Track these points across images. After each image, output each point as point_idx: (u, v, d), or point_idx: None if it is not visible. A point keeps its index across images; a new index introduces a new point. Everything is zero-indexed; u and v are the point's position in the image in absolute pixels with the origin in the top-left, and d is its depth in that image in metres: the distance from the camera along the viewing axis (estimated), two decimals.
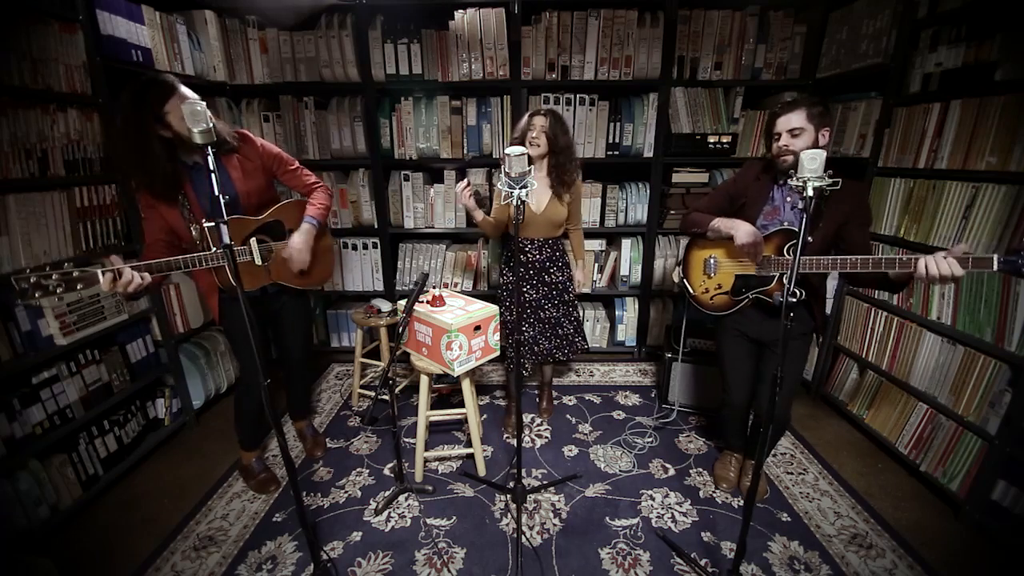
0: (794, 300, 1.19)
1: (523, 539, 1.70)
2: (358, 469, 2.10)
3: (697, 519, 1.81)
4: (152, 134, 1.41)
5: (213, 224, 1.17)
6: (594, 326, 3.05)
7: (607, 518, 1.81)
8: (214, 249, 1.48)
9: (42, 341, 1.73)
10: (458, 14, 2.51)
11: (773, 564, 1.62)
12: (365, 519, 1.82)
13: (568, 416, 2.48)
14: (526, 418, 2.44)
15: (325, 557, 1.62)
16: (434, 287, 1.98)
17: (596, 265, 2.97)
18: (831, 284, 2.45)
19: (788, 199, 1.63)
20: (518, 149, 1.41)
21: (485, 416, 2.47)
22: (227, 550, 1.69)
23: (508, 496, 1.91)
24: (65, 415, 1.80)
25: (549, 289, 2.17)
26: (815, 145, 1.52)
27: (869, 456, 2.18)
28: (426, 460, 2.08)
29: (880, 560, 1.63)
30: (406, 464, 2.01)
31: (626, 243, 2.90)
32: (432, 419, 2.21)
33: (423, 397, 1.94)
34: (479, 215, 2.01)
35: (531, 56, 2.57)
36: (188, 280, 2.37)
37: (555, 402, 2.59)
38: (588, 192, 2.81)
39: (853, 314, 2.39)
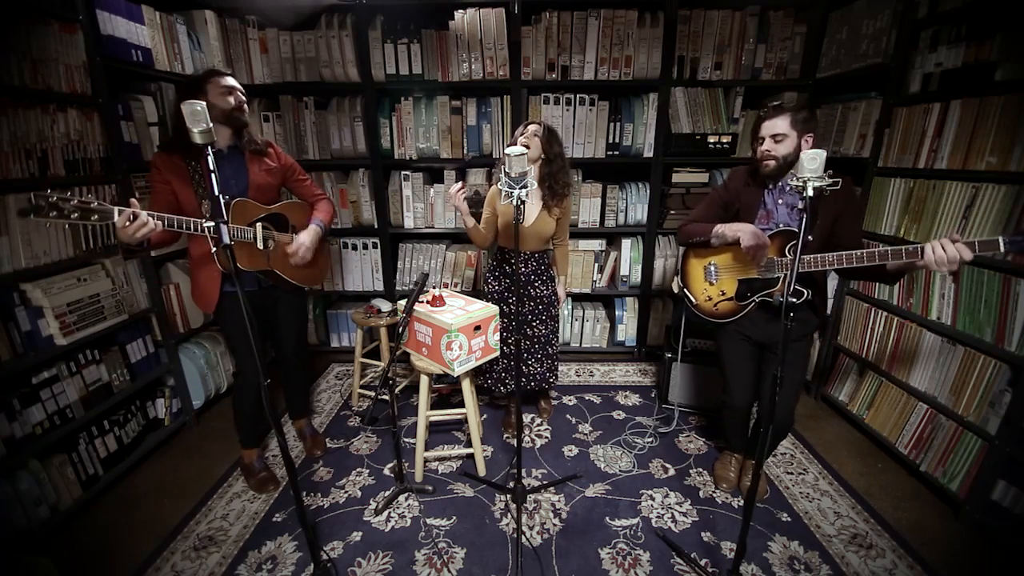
0: (798, 300, 1.19)
1: (523, 539, 1.70)
2: (358, 469, 2.10)
3: (697, 519, 1.81)
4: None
5: (213, 224, 1.18)
6: (594, 326, 3.05)
7: (607, 518, 1.81)
8: (240, 228, 1.62)
9: (42, 341, 1.73)
10: (458, 14, 2.51)
11: (773, 564, 1.62)
12: (365, 519, 1.82)
13: (568, 416, 2.48)
14: (526, 418, 2.44)
15: (325, 557, 1.62)
16: (434, 287, 1.98)
17: (596, 265, 2.97)
18: (831, 284, 2.45)
19: (780, 201, 1.64)
20: (518, 149, 1.42)
21: (485, 416, 2.47)
22: (227, 550, 1.69)
23: (508, 496, 1.91)
24: (65, 415, 1.80)
25: (536, 304, 2.16)
26: (797, 150, 1.53)
27: (869, 456, 2.18)
28: (426, 460, 2.08)
29: (880, 560, 1.63)
30: (406, 464, 2.01)
31: (626, 243, 2.90)
32: (432, 419, 2.21)
33: (423, 397, 1.94)
34: (470, 220, 1.99)
35: (531, 56, 2.57)
36: (188, 280, 2.37)
37: (555, 402, 2.59)
38: (588, 192, 2.81)
39: (853, 314, 2.39)
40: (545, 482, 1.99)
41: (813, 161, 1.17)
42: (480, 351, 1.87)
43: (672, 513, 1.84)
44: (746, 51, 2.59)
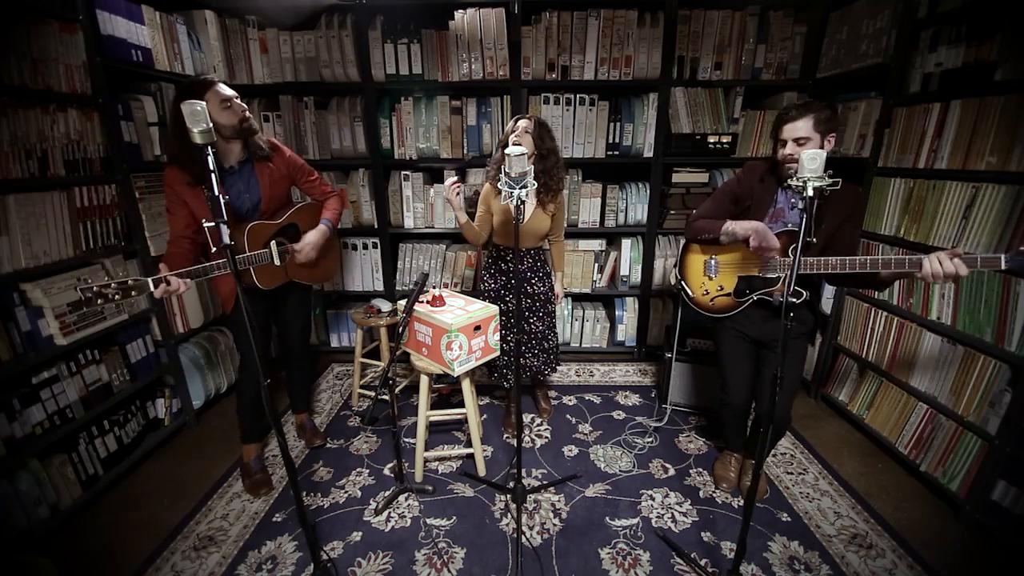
0: (797, 301, 1.20)
1: (523, 539, 1.70)
2: (358, 469, 2.10)
3: (697, 519, 1.81)
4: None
5: (213, 224, 1.18)
6: (594, 326, 3.05)
7: (607, 518, 1.81)
8: (247, 252, 1.66)
9: (42, 341, 1.73)
10: (458, 14, 2.51)
11: (773, 564, 1.62)
12: (365, 519, 1.82)
13: (568, 416, 2.48)
14: (526, 418, 2.44)
15: (325, 557, 1.62)
16: (434, 287, 1.98)
17: (596, 265, 2.97)
18: (828, 286, 2.45)
19: (792, 200, 1.62)
20: (518, 149, 1.42)
21: (485, 416, 2.47)
22: (227, 550, 1.69)
23: (508, 496, 1.91)
24: (65, 415, 1.80)
25: (533, 301, 2.17)
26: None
27: (869, 456, 2.18)
28: (426, 460, 2.08)
29: (880, 560, 1.63)
30: (406, 464, 2.01)
31: (626, 243, 2.90)
32: (432, 419, 2.21)
33: (423, 397, 1.94)
34: (462, 216, 1.99)
35: (531, 56, 2.57)
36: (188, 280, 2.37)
37: (555, 402, 2.59)
38: (588, 192, 2.81)
39: (853, 314, 2.39)
40: (545, 482, 1.99)
41: (813, 161, 1.18)
42: (480, 351, 1.87)
43: (672, 513, 1.84)
44: (746, 51, 2.59)
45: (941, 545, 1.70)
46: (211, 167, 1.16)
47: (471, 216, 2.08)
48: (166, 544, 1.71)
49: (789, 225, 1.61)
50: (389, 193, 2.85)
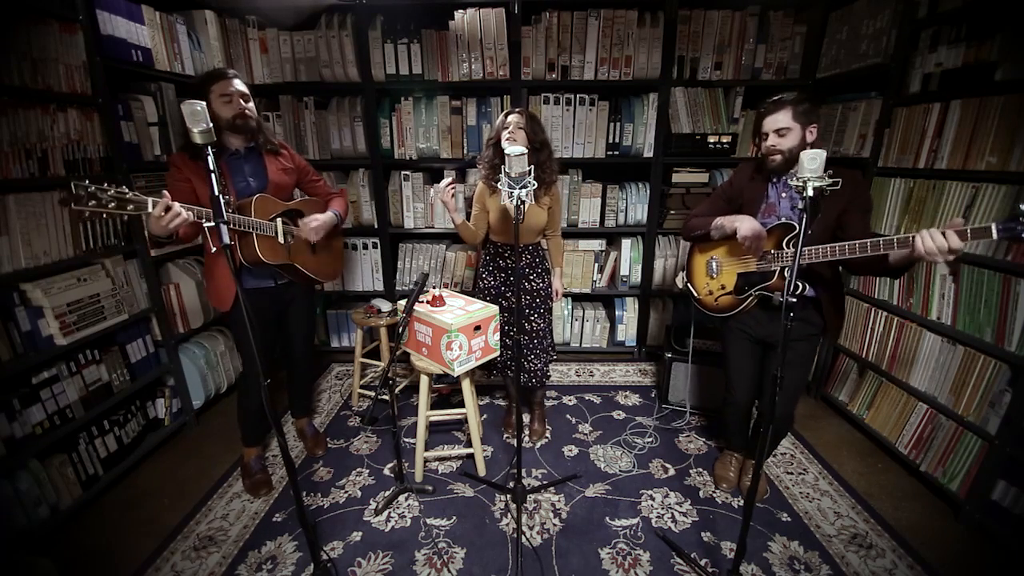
0: (794, 299, 1.19)
1: (523, 539, 1.70)
2: (358, 469, 2.10)
3: (697, 519, 1.81)
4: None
5: (213, 224, 1.19)
6: (594, 326, 3.05)
7: (607, 518, 1.81)
8: (253, 220, 1.64)
9: (42, 341, 1.73)
10: (458, 14, 2.51)
11: (773, 564, 1.62)
12: (365, 519, 1.82)
13: (568, 416, 2.48)
14: (526, 418, 2.44)
15: (325, 557, 1.62)
16: (434, 287, 1.98)
17: (596, 265, 2.97)
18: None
19: (783, 195, 1.63)
20: (519, 149, 1.42)
21: (485, 416, 2.47)
22: (227, 550, 1.69)
23: (508, 496, 1.91)
24: (65, 415, 1.80)
25: (532, 297, 2.14)
26: (803, 142, 1.53)
27: (869, 456, 2.18)
28: (426, 460, 2.08)
29: (880, 560, 1.63)
30: (406, 464, 2.01)
31: (626, 243, 2.90)
32: (432, 419, 2.21)
33: (423, 397, 1.94)
34: (458, 217, 1.98)
35: (531, 56, 2.57)
36: (188, 280, 2.37)
37: (555, 402, 2.59)
38: (588, 192, 2.81)
39: (853, 314, 2.39)
40: (545, 482, 1.99)
41: (813, 161, 1.17)
42: (480, 351, 1.87)
43: (672, 513, 1.84)
44: (746, 51, 2.59)
45: (941, 545, 1.70)
46: (211, 167, 1.16)
47: (468, 216, 2.08)
48: (166, 544, 1.71)
49: (782, 219, 1.61)
50: (389, 193, 2.85)
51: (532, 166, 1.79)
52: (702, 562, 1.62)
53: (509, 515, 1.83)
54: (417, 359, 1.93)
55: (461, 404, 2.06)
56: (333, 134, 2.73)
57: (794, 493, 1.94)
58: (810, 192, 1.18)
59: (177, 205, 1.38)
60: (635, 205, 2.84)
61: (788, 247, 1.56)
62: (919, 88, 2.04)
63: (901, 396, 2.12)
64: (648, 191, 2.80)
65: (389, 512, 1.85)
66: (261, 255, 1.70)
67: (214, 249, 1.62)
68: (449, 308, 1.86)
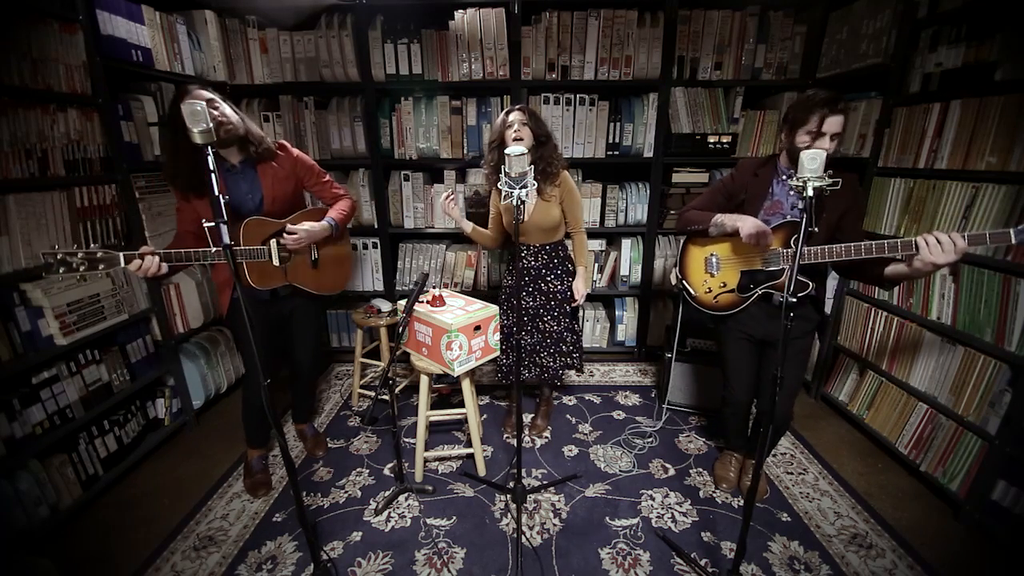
0: (803, 293, 1.19)
1: (523, 539, 1.70)
2: (358, 469, 2.10)
3: (697, 519, 1.81)
4: (180, 134, 1.46)
5: (214, 224, 1.19)
6: (594, 326, 3.05)
7: (607, 518, 1.81)
8: (241, 246, 1.60)
9: (42, 341, 1.73)
10: (458, 14, 2.51)
11: (773, 564, 1.62)
12: (365, 519, 1.82)
13: (568, 416, 2.48)
14: (526, 418, 2.44)
15: (325, 557, 1.62)
16: (434, 287, 1.98)
17: (596, 265, 2.97)
18: (831, 284, 2.45)
19: (791, 192, 1.62)
20: (518, 149, 1.42)
21: (485, 416, 2.47)
22: (227, 550, 1.69)
23: (508, 496, 1.91)
24: (65, 415, 1.80)
25: (548, 299, 2.11)
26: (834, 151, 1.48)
27: (869, 456, 2.18)
28: (426, 460, 2.08)
29: (880, 560, 1.63)
30: (406, 464, 2.01)
31: (626, 243, 2.90)
32: (432, 419, 2.21)
33: (423, 397, 1.94)
34: (467, 226, 1.97)
35: (531, 56, 2.57)
36: (188, 280, 2.37)
37: (555, 402, 2.59)
38: (588, 192, 2.81)
39: (853, 314, 2.39)
40: (545, 482, 1.99)
41: (813, 161, 1.18)
42: (480, 351, 1.87)
43: (672, 513, 1.84)
44: (746, 51, 2.58)
45: (941, 545, 1.70)
46: (211, 167, 1.16)
47: (476, 220, 2.06)
48: (166, 544, 1.71)
49: (787, 217, 1.60)
50: (389, 193, 2.85)
51: (533, 165, 1.78)
52: (702, 562, 1.62)
53: (509, 515, 1.83)
54: (417, 359, 1.93)
55: (461, 404, 2.06)
56: (333, 134, 2.73)
57: (794, 493, 1.94)
58: (810, 192, 1.18)
59: (149, 258, 1.41)
60: (635, 205, 2.84)
61: (795, 245, 1.56)
62: (919, 88, 2.04)
63: (901, 396, 2.12)
64: (648, 191, 2.80)
65: (389, 512, 1.85)
66: (251, 280, 1.67)
67: (214, 250, 1.61)
68: (449, 308, 1.86)
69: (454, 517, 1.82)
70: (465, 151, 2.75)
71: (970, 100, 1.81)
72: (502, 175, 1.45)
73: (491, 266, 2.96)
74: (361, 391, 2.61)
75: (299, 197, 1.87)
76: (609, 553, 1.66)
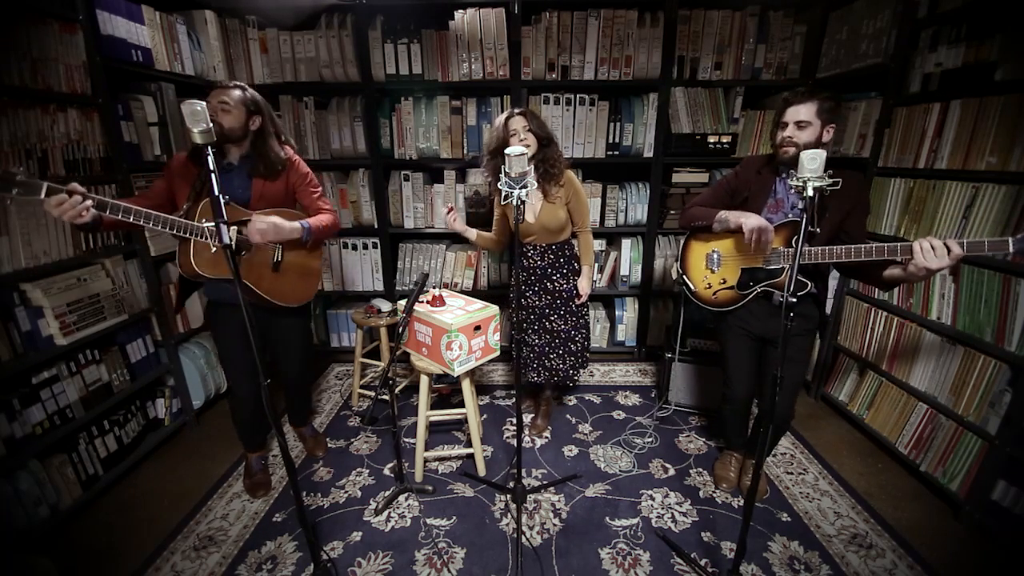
0: (802, 292, 1.19)
1: (523, 539, 1.70)
2: (358, 469, 2.10)
3: (697, 519, 1.81)
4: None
5: (214, 224, 1.18)
6: (594, 326, 3.05)
7: (607, 518, 1.81)
8: (191, 224, 1.44)
9: (42, 341, 1.73)
10: (458, 14, 2.51)
11: (773, 564, 1.62)
12: (365, 519, 1.82)
13: (568, 416, 2.48)
14: (526, 418, 2.44)
15: (325, 557, 1.62)
16: (434, 287, 1.98)
17: (596, 265, 2.97)
18: (831, 283, 2.45)
19: (793, 191, 1.62)
20: (518, 149, 1.42)
21: (485, 416, 2.47)
22: (227, 550, 1.69)
23: (508, 496, 1.91)
24: (65, 415, 1.79)
25: (553, 298, 2.11)
26: (818, 141, 1.51)
27: (869, 456, 2.18)
28: (426, 460, 2.08)
29: (880, 560, 1.63)
30: (406, 464, 2.01)
31: (626, 243, 2.90)
32: (432, 419, 2.21)
33: (423, 397, 1.94)
34: (471, 234, 1.98)
35: (531, 56, 2.57)
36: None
37: (555, 402, 2.59)
38: (588, 192, 2.81)
39: (853, 314, 2.39)
40: (545, 482, 1.99)
41: (813, 161, 1.18)
42: (480, 351, 1.87)
43: (672, 513, 1.84)
44: (746, 51, 2.58)
45: (941, 545, 1.70)
46: (211, 167, 1.16)
47: (476, 220, 2.07)
48: (166, 544, 1.71)
49: (789, 216, 1.60)
50: (389, 193, 2.85)
51: (534, 165, 1.78)
52: (702, 562, 1.62)
53: (509, 515, 1.83)
54: (417, 359, 1.93)
55: (461, 404, 2.06)
56: (333, 134, 2.73)
57: (794, 493, 1.94)
58: (810, 192, 1.19)
59: (77, 197, 1.23)
60: (635, 205, 2.84)
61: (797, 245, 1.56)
62: (919, 88, 2.04)
63: (901, 396, 2.12)
64: (648, 191, 2.80)
65: (389, 512, 1.85)
66: (196, 266, 1.48)
67: (213, 250, 1.57)
68: (449, 308, 1.86)
69: (454, 517, 1.82)
70: (465, 151, 2.75)
71: (970, 100, 1.81)
72: (502, 175, 1.45)
73: (491, 266, 2.96)
74: (361, 391, 2.61)
75: (289, 202, 1.78)
76: (609, 553, 1.66)
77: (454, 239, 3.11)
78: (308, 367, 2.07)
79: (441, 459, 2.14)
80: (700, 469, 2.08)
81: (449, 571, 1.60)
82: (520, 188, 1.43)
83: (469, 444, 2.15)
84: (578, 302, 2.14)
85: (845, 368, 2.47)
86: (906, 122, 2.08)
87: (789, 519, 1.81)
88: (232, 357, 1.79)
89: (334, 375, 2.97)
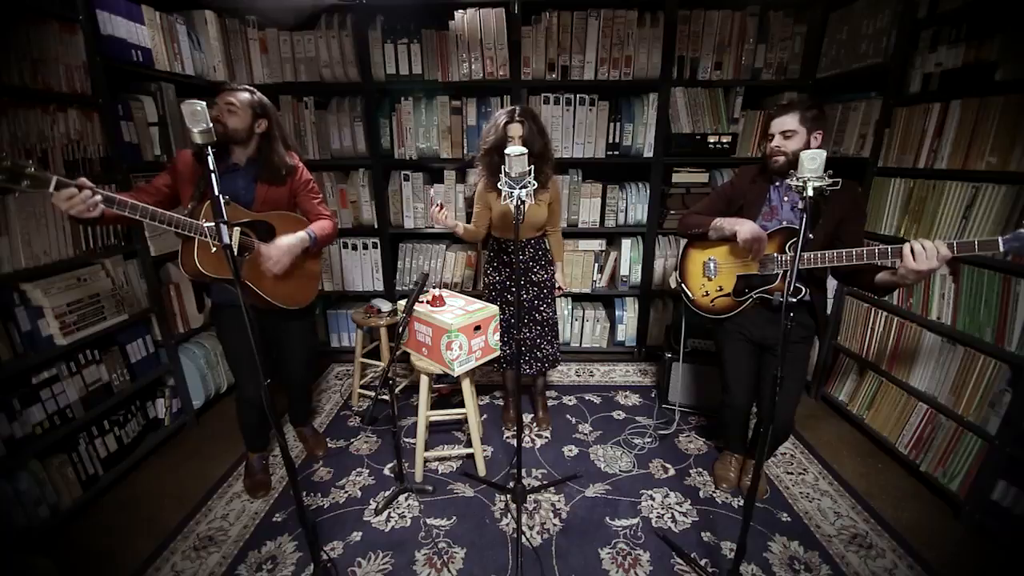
0: (795, 299, 1.20)
1: (523, 539, 1.70)
2: (358, 469, 2.10)
3: (697, 519, 1.81)
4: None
5: (214, 224, 1.18)
6: (594, 326, 3.05)
7: (607, 518, 1.81)
8: (194, 223, 1.45)
9: (42, 341, 1.73)
10: (458, 14, 2.51)
11: (773, 564, 1.62)
12: (365, 519, 1.82)
13: (568, 416, 2.48)
14: (526, 418, 2.44)
15: (325, 557, 1.62)
16: (434, 287, 1.98)
17: (596, 265, 2.97)
18: (831, 284, 2.45)
19: (786, 198, 1.64)
20: (518, 149, 1.42)
21: (485, 416, 2.47)
22: (227, 550, 1.69)
23: (508, 496, 1.91)
24: (65, 415, 1.79)
25: (539, 289, 2.18)
26: (806, 146, 1.55)
27: (869, 456, 2.17)
28: (426, 460, 2.08)
29: (880, 560, 1.63)
30: (406, 464, 2.01)
31: (626, 243, 2.90)
32: (432, 419, 2.21)
33: (423, 397, 1.94)
34: (459, 228, 2.00)
35: (531, 56, 2.57)
36: (188, 280, 2.37)
37: (555, 402, 2.59)
38: (588, 192, 2.81)
39: (853, 314, 2.39)
40: (545, 482, 1.99)
41: (813, 161, 1.18)
42: (480, 351, 1.87)
43: (672, 513, 1.84)
44: (746, 51, 2.58)
45: (941, 545, 1.70)
46: (211, 167, 1.16)
47: (468, 217, 2.09)
48: (166, 544, 1.71)
49: (784, 223, 1.62)
50: (389, 193, 2.85)
51: (532, 166, 1.78)
52: (702, 562, 1.62)
53: (509, 515, 1.83)
54: (417, 359, 1.93)
55: (461, 404, 2.06)
56: (333, 134, 2.73)
57: (794, 493, 1.94)
58: (810, 192, 1.19)
59: (87, 192, 1.23)
60: (635, 205, 2.84)
61: (790, 251, 1.57)
62: (919, 88, 2.04)
63: (901, 396, 2.12)
64: (648, 191, 2.80)
65: (389, 512, 1.85)
66: (200, 266, 1.49)
67: (213, 250, 1.58)
68: (449, 308, 1.86)
69: (454, 517, 1.82)
70: (465, 151, 2.75)
71: (970, 100, 1.81)
72: (502, 175, 1.45)
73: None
74: (361, 391, 2.61)
75: (290, 206, 1.79)
76: (609, 553, 1.66)
77: (454, 239, 3.11)
78: (312, 364, 2.11)
79: (441, 459, 2.14)
80: (700, 469, 2.08)
81: (449, 571, 1.60)
82: (520, 188, 1.43)
83: (469, 444, 2.15)
84: (557, 294, 2.30)
85: (845, 368, 2.47)
86: (906, 122, 2.08)
87: (789, 519, 1.81)
88: (241, 360, 1.79)
89: (334, 375, 2.97)
